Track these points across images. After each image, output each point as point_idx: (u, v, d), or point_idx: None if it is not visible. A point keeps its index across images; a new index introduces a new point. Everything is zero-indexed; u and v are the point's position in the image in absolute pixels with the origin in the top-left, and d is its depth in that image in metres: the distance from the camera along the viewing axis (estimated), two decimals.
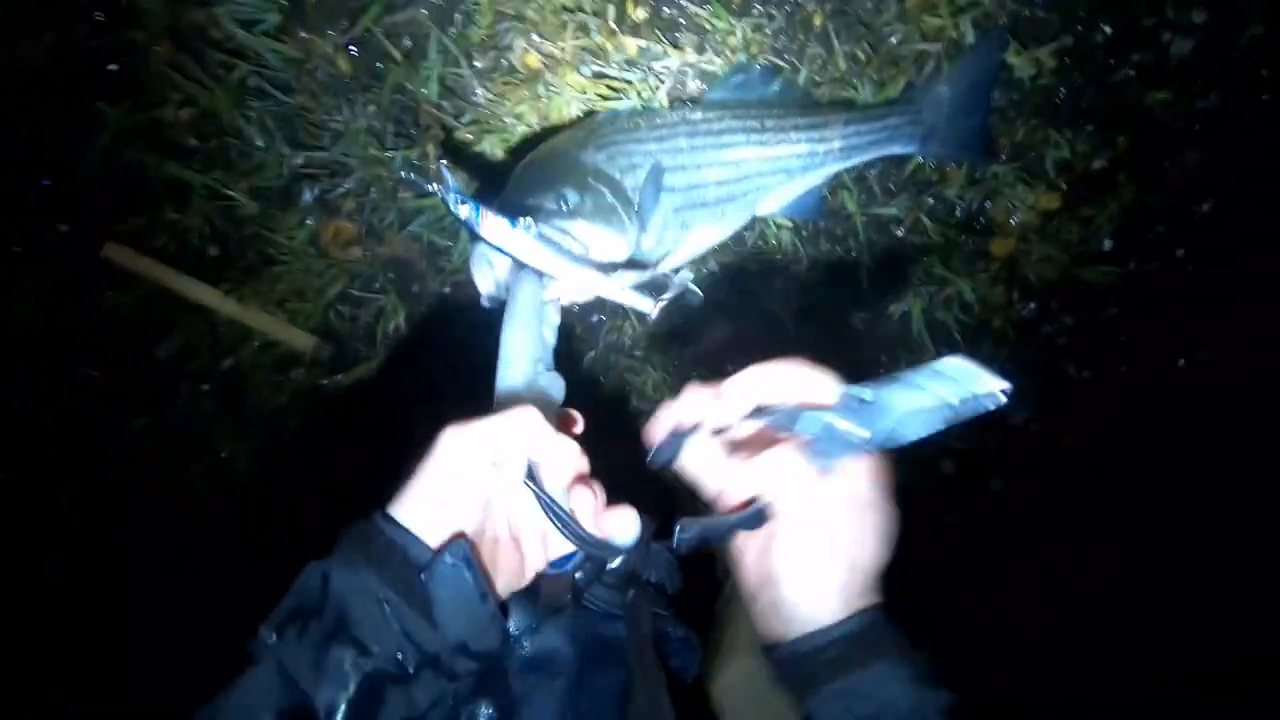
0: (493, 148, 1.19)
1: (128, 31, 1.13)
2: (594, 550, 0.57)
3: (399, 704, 0.52)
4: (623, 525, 0.58)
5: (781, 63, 1.19)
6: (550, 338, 0.70)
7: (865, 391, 0.52)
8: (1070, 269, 1.41)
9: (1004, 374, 0.50)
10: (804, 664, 0.53)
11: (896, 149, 1.13)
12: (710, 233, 1.05)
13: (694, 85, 1.19)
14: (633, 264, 0.82)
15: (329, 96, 1.18)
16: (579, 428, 0.67)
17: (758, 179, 1.04)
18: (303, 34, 1.15)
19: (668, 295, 0.73)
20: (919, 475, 1.52)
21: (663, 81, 1.18)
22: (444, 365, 1.33)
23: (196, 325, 1.34)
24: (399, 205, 1.25)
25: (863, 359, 1.45)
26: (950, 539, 1.52)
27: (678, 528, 0.56)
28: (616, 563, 0.61)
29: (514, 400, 0.61)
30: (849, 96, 1.20)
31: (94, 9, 1.12)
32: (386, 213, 1.26)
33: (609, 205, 0.86)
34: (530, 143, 1.19)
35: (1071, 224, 1.38)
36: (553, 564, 0.61)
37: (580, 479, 0.59)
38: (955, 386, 0.49)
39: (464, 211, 0.68)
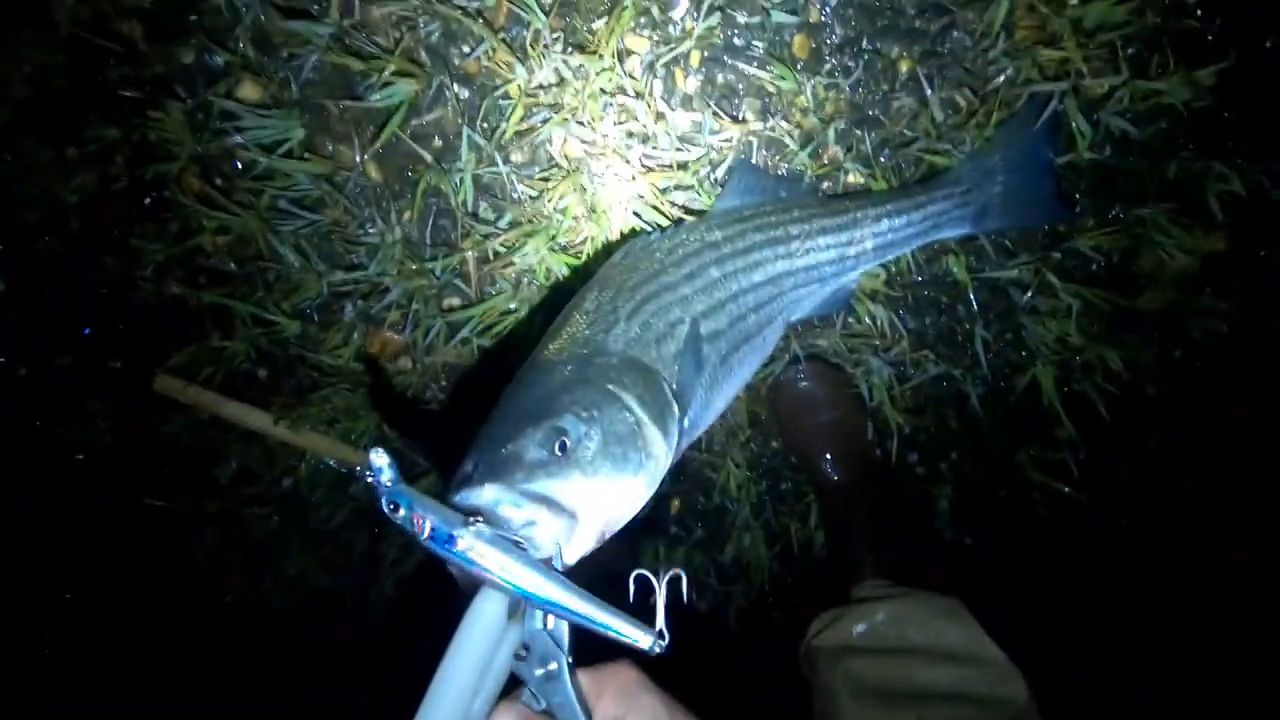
0: (536, 250, 1.06)
1: (157, 165, 1.08)
2: None
3: None
4: None
5: (863, 118, 1.01)
6: (493, 687, 0.50)
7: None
8: (1247, 320, 1.15)
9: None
10: None
11: (946, 234, 0.96)
12: (752, 366, 0.89)
13: (760, 157, 1.03)
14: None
15: (361, 208, 1.09)
16: None
17: (791, 292, 0.88)
18: (328, 147, 1.06)
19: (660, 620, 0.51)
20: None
21: (723, 156, 1.02)
22: None
23: (252, 449, 1.29)
24: (444, 315, 1.14)
25: (981, 448, 1.23)
26: None
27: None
28: None
29: None
30: (941, 159, 1.00)
31: (124, 145, 1.07)
32: (432, 322, 1.15)
33: (626, 430, 0.63)
34: (578, 240, 1.06)
35: (1244, 267, 1.12)
36: None
37: None
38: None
39: (398, 515, 0.51)
